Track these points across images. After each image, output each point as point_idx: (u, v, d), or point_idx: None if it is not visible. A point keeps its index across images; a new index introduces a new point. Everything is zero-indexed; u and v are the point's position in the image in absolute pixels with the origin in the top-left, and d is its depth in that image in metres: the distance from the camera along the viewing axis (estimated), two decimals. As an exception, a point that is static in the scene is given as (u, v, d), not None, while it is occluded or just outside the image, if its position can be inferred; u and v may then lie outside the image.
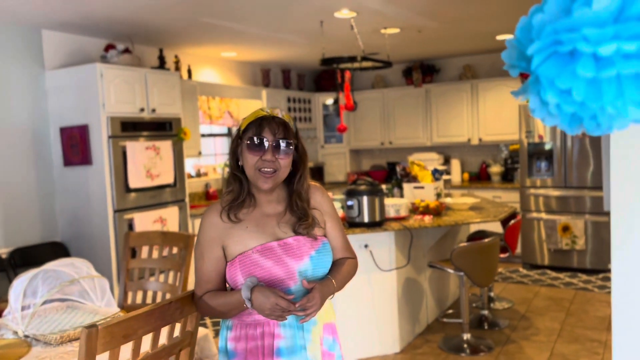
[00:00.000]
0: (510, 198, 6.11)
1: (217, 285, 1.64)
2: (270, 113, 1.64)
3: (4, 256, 4.08)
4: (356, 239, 3.64)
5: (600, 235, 5.51)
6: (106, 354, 1.50)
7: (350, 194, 3.59)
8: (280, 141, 1.57)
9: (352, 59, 4.36)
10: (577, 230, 5.59)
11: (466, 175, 6.81)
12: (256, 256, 1.57)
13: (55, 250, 4.27)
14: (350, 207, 3.58)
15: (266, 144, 1.57)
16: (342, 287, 1.68)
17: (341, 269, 1.70)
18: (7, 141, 4.15)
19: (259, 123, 1.59)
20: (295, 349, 1.59)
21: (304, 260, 1.60)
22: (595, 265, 5.55)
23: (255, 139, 1.57)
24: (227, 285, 1.67)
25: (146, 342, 1.62)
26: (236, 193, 1.64)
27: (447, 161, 6.95)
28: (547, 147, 5.71)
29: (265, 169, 1.57)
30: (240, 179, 1.64)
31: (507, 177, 6.56)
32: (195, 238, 1.69)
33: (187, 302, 1.71)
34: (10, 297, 2.27)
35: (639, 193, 1.14)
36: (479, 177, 6.83)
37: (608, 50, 0.68)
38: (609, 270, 5.51)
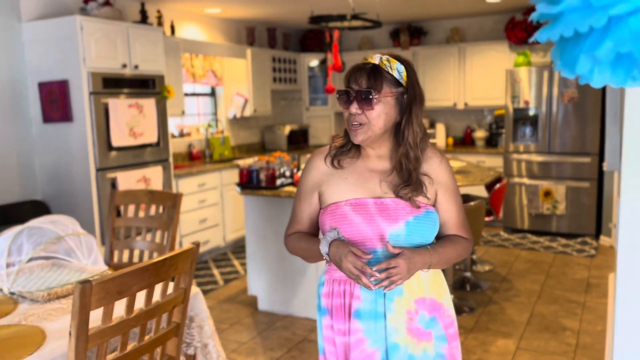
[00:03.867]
0: (494, 163, 6.15)
1: (307, 228, 1.61)
2: (368, 60, 1.49)
3: (-18, 214, 3.98)
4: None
5: (580, 201, 5.61)
6: (100, 310, 1.48)
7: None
8: (363, 91, 1.43)
9: (342, 18, 4.26)
10: (558, 195, 5.67)
11: (450, 140, 6.82)
12: (347, 209, 1.47)
13: (35, 208, 4.17)
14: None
15: (350, 96, 1.46)
16: (443, 264, 1.51)
17: (447, 244, 1.53)
18: (-17, 95, 3.99)
19: (350, 73, 1.49)
20: (373, 315, 1.48)
21: (399, 224, 1.46)
22: (575, 230, 5.66)
23: (341, 91, 1.49)
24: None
25: (140, 298, 1.60)
26: (344, 140, 1.56)
27: (432, 125, 6.94)
28: (532, 112, 5.73)
29: (353, 122, 1.47)
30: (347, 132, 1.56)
31: (492, 142, 6.59)
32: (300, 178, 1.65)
33: (181, 259, 1.69)
34: (-6, 254, 2.22)
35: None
36: (463, 142, 6.85)
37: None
38: (587, 235, 5.63)
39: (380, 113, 1.45)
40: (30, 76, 4.25)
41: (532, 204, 5.81)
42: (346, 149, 1.55)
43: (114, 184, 4.25)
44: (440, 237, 1.57)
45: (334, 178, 1.53)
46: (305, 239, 1.59)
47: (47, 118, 4.23)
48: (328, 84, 4.68)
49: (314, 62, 7.14)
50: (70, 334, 1.40)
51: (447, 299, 1.57)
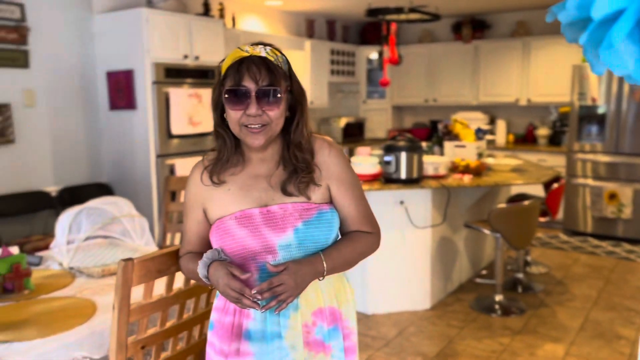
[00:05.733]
0: (556, 162, 5.92)
1: (197, 248, 1.46)
2: (251, 52, 1.31)
3: (53, 194, 4.26)
4: (392, 195, 3.63)
5: (649, 205, 5.31)
6: (141, 287, 1.57)
7: (389, 150, 3.55)
8: (266, 89, 1.28)
9: (399, 10, 4.23)
10: (624, 198, 5.39)
11: (511, 137, 6.62)
12: (231, 223, 1.33)
13: (100, 190, 4.43)
14: (388, 163, 3.55)
15: (248, 94, 1.28)
16: (342, 268, 1.38)
17: (343, 245, 1.38)
18: (57, 84, 4.26)
19: (237, 68, 1.29)
20: (266, 335, 1.34)
21: (287, 233, 1.32)
22: (641, 235, 5.37)
23: (234, 89, 1.29)
24: None
25: (180, 278, 1.68)
26: (220, 152, 1.38)
27: (492, 121, 6.76)
28: (600, 110, 5.46)
29: (252, 125, 1.30)
30: (224, 136, 1.37)
31: (555, 140, 6.34)
32: None
33: (220, 244, 1.75)
34: (57, 231, 2.39)
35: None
36: (524, 139, 6.63)
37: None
38: (654, 241, 5.33)
39: (282, 112, 1.33)
40: (100, 66, 4.50)
41: (595, 207, 5.55)
42: (224, 160, 1.38)
43: (172, 170, 4.43)
44: (342, 234, 1.43)
45: (216, 192, 1.38)
46: (193, 260, 1.43)
47: (114, 105, 4.46)
48: (383, 76, 4.67)
49: (374, 55, 7.11)
50: (113, 307, 1.50)
51: (347, 307, 1.44)
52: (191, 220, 1.44)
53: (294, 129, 1.37)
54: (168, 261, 1.57)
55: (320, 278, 1.33)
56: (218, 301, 1.42)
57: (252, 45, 1.33)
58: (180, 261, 1.51)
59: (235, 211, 1.34)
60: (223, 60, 1.36)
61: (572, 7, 0.73)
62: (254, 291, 1.23)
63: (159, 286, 1.67)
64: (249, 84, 1.28)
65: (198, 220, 1.43)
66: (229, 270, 1.26)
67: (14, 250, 2.15)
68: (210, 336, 1.43)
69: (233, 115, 1.31)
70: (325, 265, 1.32)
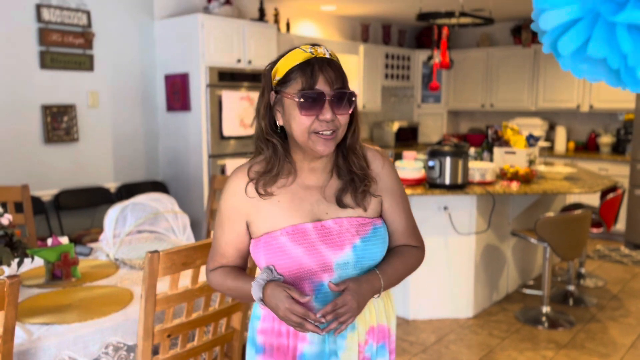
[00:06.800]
0: (618, 171, 5.64)
1: (233, 262, 1.36)
2: (315, 54, 1.21)
3: (112, 190, 4.52)
4: (435, 201, 3.59)
5: None
6: (167, 278, 1.66)
7: (433, 154, 3.52)
8: (341, 93, 1.20)
9: (450, 15, 4.18)
10: (693, 211, 5.06)
11: (572, 145, 6.36)
12: (284, 239, 1.24)
13: (156, 188, 4.65)
14: (432, 168, 3.52)
15: (323, 99, 1.19)
16: (394, 283, 1.32)
17: (396, 260, 1.33)
18: (119, 87, 4.52)
19: (308, 70, 1.19)
20: (323, 356, 1.28)
21: (345, 251, 1.24)
22: None
23: (309, 94, 1.18)
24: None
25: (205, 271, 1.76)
26: (270, 162, 1.27)
27: (552, 128, 6.52)
28: (668, 118, 5.16)
29: (325, 132, 1.20)
30: (275, 144, 1.26)
31: (618, 149, 6.04)
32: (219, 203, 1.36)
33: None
34: (105, 224, 2.55)
35: None
36: (586, 147, 6.36)
37: None
38: None
39: (348, 118, 1.25)
40: (159, 69, 4.73)
41: (660, 219, 5.24)
42: (274, 172, 1.27)
43: (223, 170, 4.59)
44: (389, 249, 1.36)
45: (264, 204, 1.27)
46: (232, 276, 1.34)
47: (170, 107, 4.67)
48: (433, 81, 4.63)
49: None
50: (141, 296, 1.60)
51: (394, 323, 1.41)
52: (229, 232, 1.32)
53: (350, 135, 1.28)
54: (193, 255, 1.66)
55: (377, 296, 1.28)
56: (264, 323, 1.32)
57: (311, 46, 1.23)
58: (211, 276, 1.37)
59: (286, 226, 1.25)
60: (274, 63, 1.25)
61: (535, 17, 0.74)
62: (318, 315, 1.16)
63: (185, 280, 1.76)
64: (324, 87, 1.19)
65: (238, 232, 1.31)
66: (288, 293, 1.17)
67: (64, 240, 2.31)
68: (260, 359, 1.33)
69: (304, 121, 1.19)
70: (382, 282, 1.26)
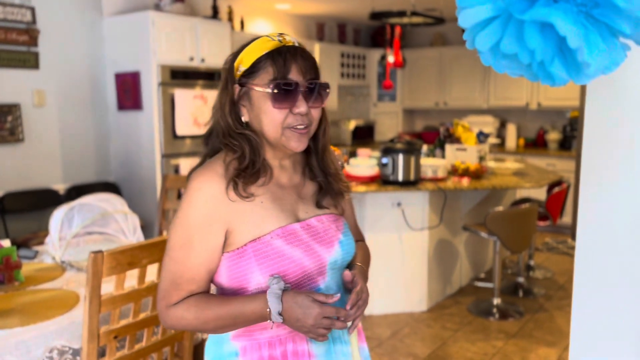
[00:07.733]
0: (565, 167, 5.86)
1: (203, 287, 1.13)
2: (284, 41, 1.10)
3: (61, 192, 4.39)
4: (388, 197, 3.65)
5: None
6: (113, 278, 1.63)
7: (386, 152, 3.57)
8: (316, 84, 1.10)
9: (402, 14, 4.25)
10: (634, 204, 5.31)
11: (522, 141, 6.57)
12: (279, 243, 1.10)
13: (107, 189, 4.53)
14: (385, 165, 3.57)
15: (297, 90, 1.08)
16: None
17: (362, 254, 1.30)
18: (68, 85, 4.39)
19: (282, 59, 1.07)
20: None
21: (335, 248, 1.17)
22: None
23: (282, 85, 1.06)
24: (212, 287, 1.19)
25: (152, 272, 1.74)
26: (248, 158, 1.11)
27: (503, 125, 6.72)
28: (610, 115, 5.39)
29: (299, 126, 1.09)
30: (250, 139, 1.12)
31: (565, 145, 6.27)
32: (177, 217, 1.11)
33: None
34: (50, 226, 2.47)
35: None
36: (535, 144, 6.58)
37: None
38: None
39: (320, 112, 1.15)
40: (108, 67, 4.61)
41: (604, 212, 5.47)
42: (256, 169, 1.12)
43: (177, 169, 4.52)
44: None
45: (247, 207, 1.11)
46: (215, 302, 1.09)
47: (121, 106, 4.57)
48: (386, 79, 4.69)
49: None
50: (85, 298, 1.57)
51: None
52: (202, 250, 1.09)
53: (322, 133, 1.19)
54: (139, 254, 1.63)
55: None
56: (245, 358, 1.13)
57: (278, 34, 1.12)
58: (174, 311, 1.10)
59: (275, 228, 1.11)
60: (236, 54, 1.14)
61: (458, 15, 0.77)
62: (348, 306, 1.08)
63: (132, 280, 1.73)
64: (297, 78, 1.08)
65: (214, 247, 1.10)
66: (313, 297, 1.04)
67: (6, 243, 2.23)
68: None
69: (277, 115, 1.08)
70: (366, 270, 1.24)
